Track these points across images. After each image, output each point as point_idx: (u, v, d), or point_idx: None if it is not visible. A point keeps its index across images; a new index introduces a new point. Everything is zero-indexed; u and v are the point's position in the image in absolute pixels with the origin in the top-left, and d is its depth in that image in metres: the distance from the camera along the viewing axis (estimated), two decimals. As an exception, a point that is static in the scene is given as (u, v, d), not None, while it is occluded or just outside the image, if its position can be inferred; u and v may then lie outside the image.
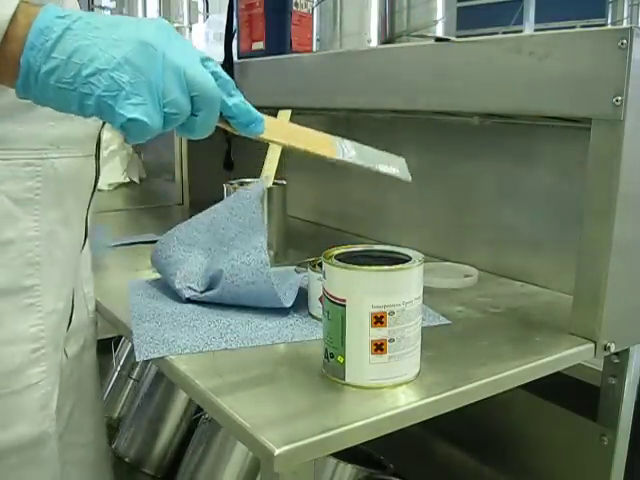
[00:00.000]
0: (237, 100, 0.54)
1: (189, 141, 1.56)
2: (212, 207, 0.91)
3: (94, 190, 0.78)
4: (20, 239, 0.67)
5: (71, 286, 0.77)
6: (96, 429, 0.91)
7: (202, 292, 0.83)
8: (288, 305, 0.78)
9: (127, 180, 1.88)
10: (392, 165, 0.65)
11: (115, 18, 0.51)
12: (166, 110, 0.50)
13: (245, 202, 0.87)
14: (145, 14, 2.15)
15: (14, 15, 0.48)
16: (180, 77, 0.50)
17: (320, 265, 0.64)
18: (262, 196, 0.89)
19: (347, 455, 0.98)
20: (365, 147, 0.65)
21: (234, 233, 0.84)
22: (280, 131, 0.60)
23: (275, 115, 1.07)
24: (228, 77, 0.54)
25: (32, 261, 0.68)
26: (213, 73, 0.52)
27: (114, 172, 1.85)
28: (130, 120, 0.48)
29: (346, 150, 0.63)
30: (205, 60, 0.53)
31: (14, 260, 0.66)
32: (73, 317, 0.83)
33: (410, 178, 0.64)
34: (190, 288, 0.83)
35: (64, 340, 0.82)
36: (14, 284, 0.67)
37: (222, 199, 0.94)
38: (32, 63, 0.48)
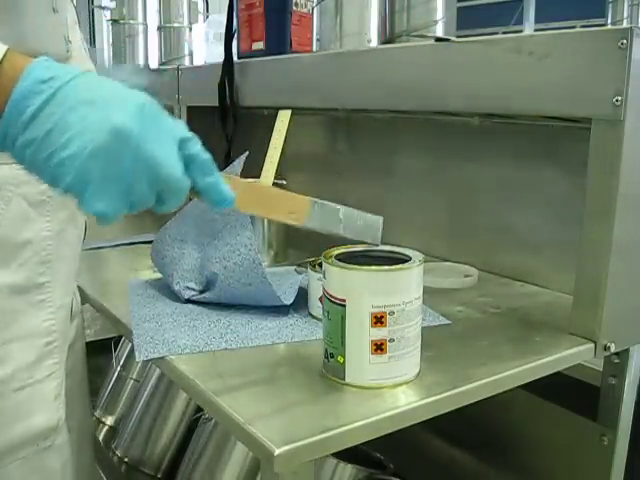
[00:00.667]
0: (211, 181, 0.54)
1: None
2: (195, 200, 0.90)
3: None
4: (36, 239, 0.69)
5: (75, 281, 0.80)
6: (82, 416, 0.94)
7: (201, 291, 0.83)
8: (288, 303, 0.78)
9: (127, 180, 1.88)
10: (362, 234, 0.66)
11: (93, 90, 0.49)
12: (132, 199, 0.50)
13: None
14: (145, 14, 2.15)
15: (1, 64, 0.47)
16: (150, 172, 0.50)
17: (320, 265, 0.64)
18: (241, 168, 0.84)
19: (347, 455, 0.98)
20: (344, 208, 0.67)
21: (221, 225, 0.82)
22: (252, 200, 0.60)
23: (275, 115, 1.07)
24: (206, 156, 0.54)
25: (45, 259, 0.71)
26: (190, 156, 0.52)
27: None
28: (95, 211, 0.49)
29: (316, 213, 0.64)
30: (184, 142, 0.52)
31: (30, 259, 0.69)
32: (73, 310, 0.86)
33: (379, 243, 0.66)
34: (188, 288, 0.83)
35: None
36: (29, 282, 0.70)
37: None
38: (9, 133, 0.48)
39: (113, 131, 0.47)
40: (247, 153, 0.82)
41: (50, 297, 0.73)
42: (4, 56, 0.48)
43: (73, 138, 0.47)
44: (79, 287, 0.89)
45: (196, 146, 0.53)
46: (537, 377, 0.67)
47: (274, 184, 1.07)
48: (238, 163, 0.83)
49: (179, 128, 0.53)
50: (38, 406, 0.73)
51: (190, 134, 0.54)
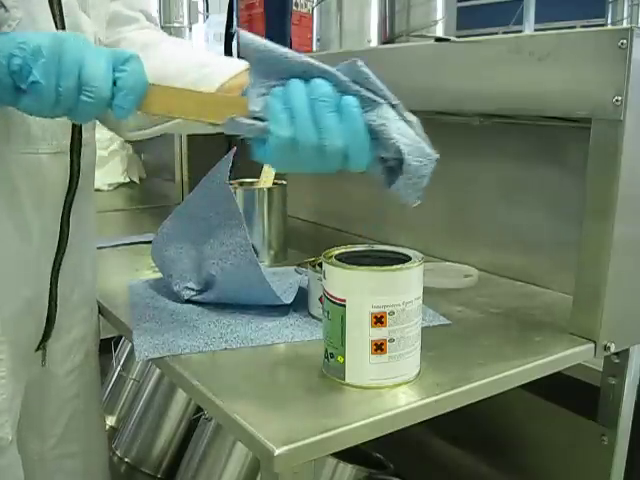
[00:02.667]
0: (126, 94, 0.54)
1: (189, 141, 1.56)
2: (189, 196, 0.89)
3: (71, 189, 0.74)
4: None
5: (40, 292, 0.74)
6: (94, 438, 0.90)
7: (200, 291, 0.83)
8: (288, 302, 0.78)
9: (127, 180, 1.88)
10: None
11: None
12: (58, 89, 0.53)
13: (215, 187, 0.82)
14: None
15: None
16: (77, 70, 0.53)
17: (320, 265, 0.64)
18: (229, 164, 0.81)
19: (347, 455, 0.98)
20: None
21: (215, 223, 0.81)
22: (164, 100, 0.57)
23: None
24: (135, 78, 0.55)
25: None
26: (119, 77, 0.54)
27: (114, 172, 1.85)
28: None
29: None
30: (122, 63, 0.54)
31: None
32: (73, 330, 0.82)
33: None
34: (188, 288, 0.83)
35: (59, 351, 0.81)
36: None
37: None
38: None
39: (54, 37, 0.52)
40: (234, 150, 0.81)
41: None
42: None
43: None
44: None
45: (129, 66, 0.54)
46: (537, 377, 0.67)
47: (274, 184, 1.07)
48: (226, 161, 0.81)
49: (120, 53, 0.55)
50: None
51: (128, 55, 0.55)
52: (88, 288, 0.84)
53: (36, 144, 0.69)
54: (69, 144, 0.72)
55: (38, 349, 0.78)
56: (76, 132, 0.73)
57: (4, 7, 0.62)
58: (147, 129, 0.78)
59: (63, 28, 0.68)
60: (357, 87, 0.54)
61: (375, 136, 0.54)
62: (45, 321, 0.76)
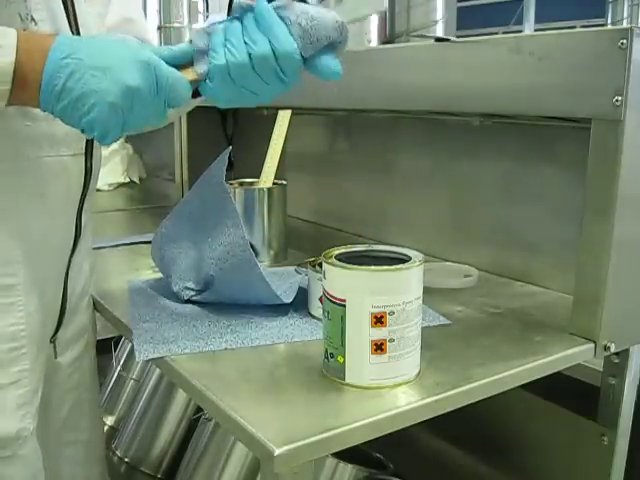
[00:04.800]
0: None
1: (189, 141, 1.56)
2: (186, 196, 0.89)
3: (85, 190, 0.78)
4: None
5: (57, 286, 0.78)
6: (91, 428, 0.93)
7: (200, 291, 0.83)
8: (288, 301, 0.78)
9: (127, 180, 1.88)
10: None
11: (104, 56, 0.58)
12: None
13: (212, 186, 0.82)
14: (145, 14, 2.15)
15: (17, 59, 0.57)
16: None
17: (320, 265, 0.64)
18: (225, 164, 0.82)
19: (347, 455, 0.98)
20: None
21: (213, 222, 0.81)
22: None
23: (275, 115, 1.07)
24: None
25: (10, 260, 0.69)
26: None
27: (114, 172, 1.85)
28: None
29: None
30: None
31: None
32: (76, 320, 0.85)
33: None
34: (187, 288, 0.83)
35: (64, 342, 0.84)
36: None
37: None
38: (47, 105, 0.59)
39: (124, 89, 0.58)
40: (230, 148, 0.81)
41: (20, 301, 0.70)
42: (16, 54, 0.57)
43: (94, 104, 0.57)
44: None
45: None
46: (537, 377, 0.67)
47: (274, 184, 1.07)
48: (222, 160, 0.81)
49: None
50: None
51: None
52: (86, 280, 0.87)
53: (59, 147, 0.73)
54: (84, 146, 0.77)
55: (51, 341, 0.81)
56: None
57: (34, 21, 0.68)
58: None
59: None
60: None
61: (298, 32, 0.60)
62: (59, 314, 0.80)
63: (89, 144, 0.77)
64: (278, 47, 0.59)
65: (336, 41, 0.61)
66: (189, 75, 0.61)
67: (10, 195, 0.69)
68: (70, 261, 0.79)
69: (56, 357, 0.83)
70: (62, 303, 0.80)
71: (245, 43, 0.59)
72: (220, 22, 0.61)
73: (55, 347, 0.82)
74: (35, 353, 0.74)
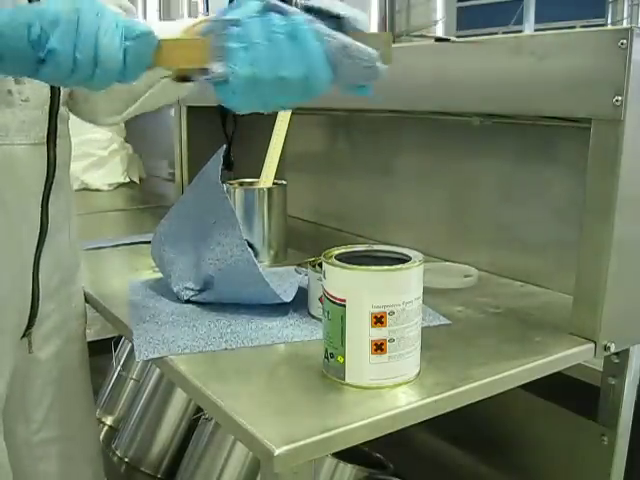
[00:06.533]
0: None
1: (189, 141, 1.56)
2: (183, 195, 0.89)
3: (49, 182, 0.76)
4: None
5: (24, 282, 0.76)
6: (82, 423, 0.92)
7: (200, 291, 0.83)
8: (288, 300, 0.78)
9: (127, 180, 1.88)
10: None
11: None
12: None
13: (208, 186, 0.82)
14: (145, 14, 2.15)
15: None
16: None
17: (320, 265, 0.64)
18: (220, 163, 0.80)
19: (347, 455, 0.98)
20: None
21: (210, 222, 0.81)
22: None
23: (275, 116, 1.07)
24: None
25: None
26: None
27: (114, 172, 1.85)
28: None
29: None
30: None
31: None
32: (54, 315, 0.83)
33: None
34: (187, 288, 0.83)
35: (40, 337, 0.82)
36: None
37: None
38: None
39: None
40: (224, 147, 0.81)
41: None
42: None
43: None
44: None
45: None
46: (537, 377, 0.67)
47: (274, 184, 1.07)
48: (217, 159, 0.81)
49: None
50: None
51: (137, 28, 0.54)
52: (68, 273, 0.85)
53: (12, 136, 0.70)
54: (46, 135, 0.74)
55: (24, 336, 0.79)
56: (52, 124, 0.75)
57: None
58: (122, 113, 0.81)
59: None
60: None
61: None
62: (29, 309, 0.78)
63: (51, 134, 0.75)
64: (311, 75, 0.54)
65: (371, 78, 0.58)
66: (195, 55, 0.55)
67: None
68: (38, 256, 0.77)
69: (31, 352, 0.81)
70: (32, 299, 0.78)
71: (275, 59, 0.54)
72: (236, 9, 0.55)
73: (30, 342, 0.81)
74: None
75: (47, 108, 0.74)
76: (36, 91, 0.72)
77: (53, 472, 0.87)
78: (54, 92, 0.74)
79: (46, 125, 0.74)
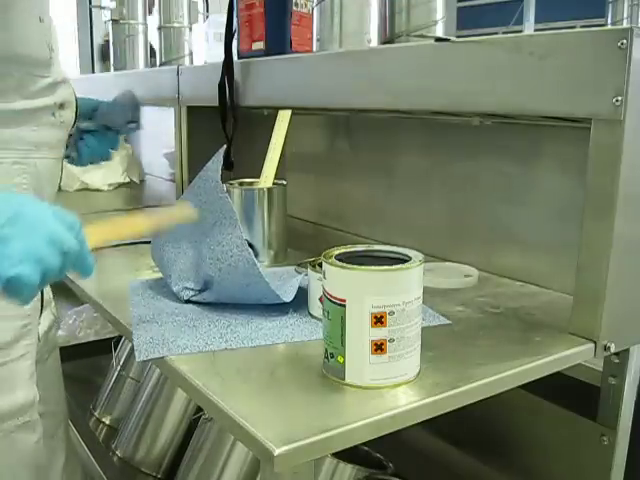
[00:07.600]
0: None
1: (189, 141, 1.56)
2: (183, 195, 0.89)
3: (59, 189, 0.90)
4: None
5: None
6: (57, 402, 1.02)
7: (200, 291, 0.83)
8: (288, 300, 0.78)
9: (127, 180, 1.88)
10: None
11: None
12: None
13: (209, 186, 0.82)
14: (145, 14, 2.15)
15: None
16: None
17: (320, 265, 0.64)
18: (221, 163, 0.81)
19: (347, 455, 0.98)
20: None
21: (211, 222, 0.81)
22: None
23: (275, 115, 1.07)
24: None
25: None
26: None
27: (114, 172, 1.85)
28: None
29: None
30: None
31: None
32: (45, 298, 0.94)
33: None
34: (187, 288, 0.83)
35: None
36: None
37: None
38: None
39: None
40: (224, 147, 0.82)
41: None
42: None
43: None
44: (80, 287, 0.89)
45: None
46: (537, 377, 0.67)
47: (274, 184, 1.07)
48: (217, 160, 0.81)
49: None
50: (18, 382, 0.80)
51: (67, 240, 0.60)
52: None
53: (51, 151, 0.85)
54: (62, 151, 0.90)
55: None
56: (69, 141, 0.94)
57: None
58: None
59: None
60: None
61: None
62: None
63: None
64: None
65: None
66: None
67: (20, 192, 0.78)
68: None
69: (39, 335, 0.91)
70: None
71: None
72: None
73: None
74: (34, 329, 0.85)
75: (69, 128, 0.89)
76: (69, 116, 0.88)
77: (30, 442, 0.91)
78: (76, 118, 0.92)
79: (65, 143, 0.90)
